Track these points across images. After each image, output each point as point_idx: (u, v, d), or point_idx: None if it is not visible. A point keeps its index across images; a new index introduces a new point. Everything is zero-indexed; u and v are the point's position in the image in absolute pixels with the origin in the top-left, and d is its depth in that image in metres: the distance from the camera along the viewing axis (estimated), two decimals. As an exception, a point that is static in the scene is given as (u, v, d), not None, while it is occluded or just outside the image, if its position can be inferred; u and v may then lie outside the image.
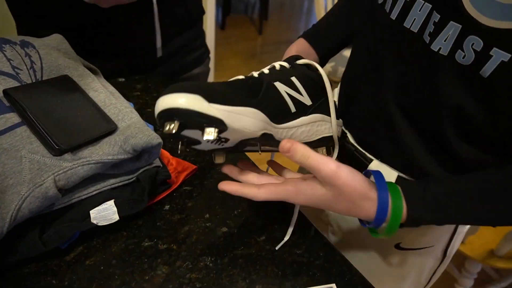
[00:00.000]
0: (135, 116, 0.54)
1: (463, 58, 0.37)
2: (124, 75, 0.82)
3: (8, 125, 0.45)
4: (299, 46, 0.60)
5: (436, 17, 0.38)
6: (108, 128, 0.50)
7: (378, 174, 0.42)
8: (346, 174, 0.39)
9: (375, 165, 0.52)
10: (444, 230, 0.55)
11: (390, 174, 0.51)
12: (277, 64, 0.47)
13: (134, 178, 0.51)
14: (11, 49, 0.51)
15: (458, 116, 0.41)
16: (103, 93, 0.55)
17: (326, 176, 0.39)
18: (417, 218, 0.40)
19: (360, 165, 0.53)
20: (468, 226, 0.59)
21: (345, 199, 0.40)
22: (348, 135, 0.56)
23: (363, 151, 0.54)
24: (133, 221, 0.50)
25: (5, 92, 0.47)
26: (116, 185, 0.50)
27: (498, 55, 0.34)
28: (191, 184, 0.56)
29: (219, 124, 0.35)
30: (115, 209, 0.47)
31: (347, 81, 0.57)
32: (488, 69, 0.35)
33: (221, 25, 3.48)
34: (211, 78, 2.66)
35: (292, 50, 0.59)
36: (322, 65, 0.60)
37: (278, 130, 0.42)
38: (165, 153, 0.59)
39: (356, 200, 0.40)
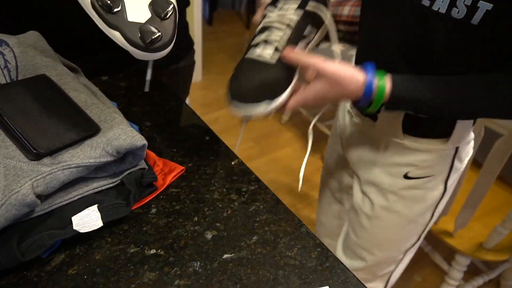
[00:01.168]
0: (118, 117, 0.52)
1: (457, 13, 0.48)
2: (107, 72, 0.79)
3: (-19, 128, 0.43)
4: None
5: None
6: (90, 129, 0.48)
7: (368, 65, 0.52)
8: (332, 65, 0.50)
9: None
10: (442, 161, 0.64)
11: (400, 113, 0.61)
12: (295, 17, 0.55)
13: (118, 181, 0.49)
14: (-17, 47, 0.48)
15: (451, 63, 0.52)
16: (84, 93, 0.53)
17: (317, 70, 0.51)
18: (399, 91, 0.51)
19: None
20: (463, 163, 0.68)
21: (338, 86, 0.51)
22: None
23: None
24: (118, 226, 0.48)
25: (-23, 93, 0.44)
26: (99, 189, 0.48)
27: (483, 6, 0.46)
28: (178, 186, 0.54)
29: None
30: (98, 214, 0.45)
31: (360, 41, 0.67)
32: (477, 17, 0.47)
33: (208, 21, 3.44)
34: (198, 74, 2.62)
35: None
36: None
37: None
38: (151, 154, 0.57)
39: (346, 83, 0.51)
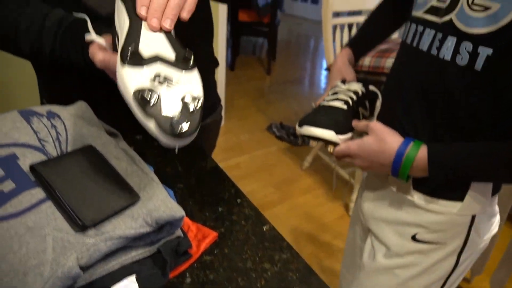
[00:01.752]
0: (156, 184, 0.54)
1: (461, 60, 0.52)
2: (140, 128, 0.82)
3: (33, 201, 0.45)
4: (349, 55, 0.85)
5: (439, 35, 0.55)
6: (131, 199, 0.50)
7: (410, 138, 0.58)
8: (378, 124, 0.61)
9: None
10: (456, 228, 0.62)
11: None
12: (359, 90, 0.74)
13: (155, 250, 0.51)
14: (38, 121, 0.52)
15: (467, 107, 0.55)
16: (124, 161, 0.56)
17: (369, 126, 0.62)
18: (435, 157, 0.54)
19: None
20: (483, 239, 0.65)
21: (381, 142, 0.58)
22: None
23: None
24: (154, 297, 0.48)
25: (31, 167, 0.47)
26: (137, 258, 0.49)
27: (483, 51, 0.49)
28: (211, 253, 0.55)
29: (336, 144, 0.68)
30: (136, 286, 0.46)
31: (385, 88, 0.75)
32: (479, 64, 0.49)
33: (230, 66, 3.57)
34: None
35: (344, 57, 0.84)
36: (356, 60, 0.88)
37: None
38: (185, 219, 0.59)
39: (389, 141, 0.58)
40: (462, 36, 0.51)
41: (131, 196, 0.50)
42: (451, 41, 0.53)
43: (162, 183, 0.60)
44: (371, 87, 0.76)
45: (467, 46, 0.51)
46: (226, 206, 0.65)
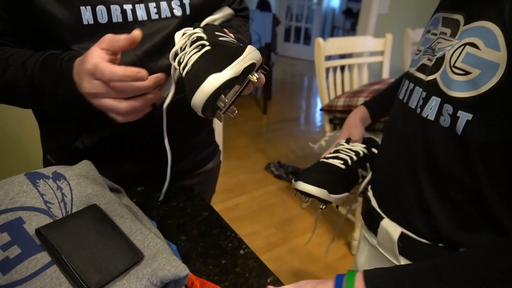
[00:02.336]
0: (160, 242, 0.54)
1: (444, 121, 0.51)
2: (141, 179, 0.83)
3: (38, 266, 0.45)
4: (362, 113, 0.87)
5: (423, 94, 0.55)
6: (136, 258, 0.50)
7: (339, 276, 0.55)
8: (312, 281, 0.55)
9: (385, 222, 0.65)
10: None
11: (396, 231, 0.62)
12: (361, 152, 0.78)
13: (160, 310, 0.50)
14: (44, 183, 0.53)
15: (450, 170, 0.53)
16: (128, 219, 0.56)
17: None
18: (371, 280, 0.50)
19: (376, 222, 0.67)
20: None
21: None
22: (372, 199, 0.71)
23: (380, 212, 0.67)
24: None
25: (37, 231, 0.48)
26: (142, 318, 0.49)
27: (463, 116, 0.48)
28: (216, 310, 0.55)
29: (328, 203, 0.72)
30: None
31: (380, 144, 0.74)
32: (459, 127, 0.49)
33: (227, 107, 3.63)
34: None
35: (357, 114, 0.86)
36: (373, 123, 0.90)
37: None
38: (189, 274, 0.59)
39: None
40: (444, 98, 0.51)
41: (135, 255, 0.51)
42: (435, 102, 0.52)
43: (165, 237, 0.61)
44: (374, 149, 0.78)
45: (448, 109, 0.50)
46: (230, 258, 0.64)
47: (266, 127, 3.39)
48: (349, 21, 5.37)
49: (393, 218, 0.64)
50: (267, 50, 3.38)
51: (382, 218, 0.66)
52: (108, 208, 0.56)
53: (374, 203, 0.69)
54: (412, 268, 0.51)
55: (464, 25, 0.51)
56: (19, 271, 0.44)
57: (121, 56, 0.59)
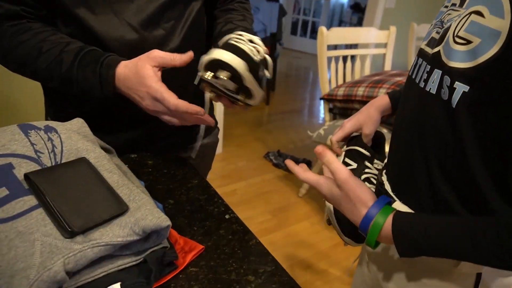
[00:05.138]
0: (145, 197, 0.56)
1: (443, 94, 0.49)
2: (136, 147, 0.85)
3: (25, 208, 0.47)
4: (382, 103, 0.80)
5: (427, 68, 0.53)
6: (120, 209, 0.52)
7: (383, 197, 0.54)
8: (354, 183, 0.54)
9: (397, 205, 0.61)
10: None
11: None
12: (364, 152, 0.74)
13: (141, 259, 0.52)
14: (35, 134, 0.55)
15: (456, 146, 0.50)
16: (116, 174, 0.58)
17: (339, 180, 0.54)
18: (400, 231, 0.50)
19: None
20: None
21: (350, 201, 0.54)
22: (386, 182, 0.67)
23: (392, 195, 0.64)
24: (138, 306, 0.49)
25: (25, 175, 0.50)
26: (123, 266, 0.51)
27: (459, 87, 0.46)
28: (197, 265, 0.56)
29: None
30: (120, 293, 0.47)
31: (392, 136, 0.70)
32: (454, 99, 0.47)
33: (230, 96, 3.64)
34: (219, 146, 2.73)
35: (376, 103, 0.79)
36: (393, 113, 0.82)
37: None
38: (173, 232, 0.60)
39: (357, 204, 0.53)
40: (444, 69, 0.49)
41: (120, 206, 0.52)
42: (436, 74, 0.50)
43: (153, 199, 0.62)
44: (378, 130, 0.77)
45: (446, 80, 0.48)
46: (215, 221, 0.66)
47: (267, 117, 3.40)
48: (356, 15, 5.35)
49: (404, 201, 0.61)
50: (272, 40, 3.37)
51: (394, 201, 0.62)
52: (97, 162, 0.58)
53: (387, 186, 0.65)
54: (445, 226, 0.48)
55: None
56: (5, 210, 0.46)
57: (116, 27, 0.66)
